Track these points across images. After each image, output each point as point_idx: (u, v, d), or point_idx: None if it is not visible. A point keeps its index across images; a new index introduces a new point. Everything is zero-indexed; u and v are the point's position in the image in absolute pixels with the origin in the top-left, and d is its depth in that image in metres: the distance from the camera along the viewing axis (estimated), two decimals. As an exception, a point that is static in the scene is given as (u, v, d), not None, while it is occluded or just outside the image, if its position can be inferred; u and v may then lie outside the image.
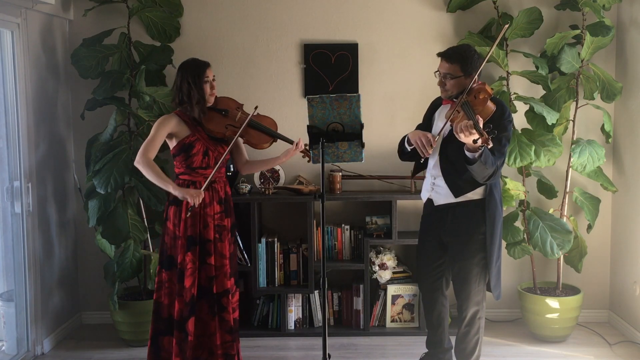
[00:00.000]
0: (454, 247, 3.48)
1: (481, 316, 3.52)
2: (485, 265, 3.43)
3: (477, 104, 3.24)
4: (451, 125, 3.25)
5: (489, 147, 3.06)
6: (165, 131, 3.52)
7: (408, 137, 3.46)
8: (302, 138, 3.57)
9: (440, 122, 3.45)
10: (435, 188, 3.49)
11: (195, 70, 3.54)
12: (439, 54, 3.43)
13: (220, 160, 3.56)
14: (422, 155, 3.32)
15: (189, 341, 3.51)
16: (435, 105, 3.59)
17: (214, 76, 3.61)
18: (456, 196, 3.40)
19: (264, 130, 3.65)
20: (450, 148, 3.34)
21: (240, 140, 3.72)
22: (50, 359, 4.22)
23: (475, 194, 3.40)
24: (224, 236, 3.61)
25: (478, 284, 3.45)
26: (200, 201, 3.47)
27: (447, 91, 3.39)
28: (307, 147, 3.51)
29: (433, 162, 3.48)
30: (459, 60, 3.34)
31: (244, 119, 3.59)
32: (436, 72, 3.44)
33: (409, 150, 3.50)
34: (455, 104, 3.29)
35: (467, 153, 3.18)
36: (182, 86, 3.54)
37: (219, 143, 3.61)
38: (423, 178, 3.68)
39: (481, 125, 3.07)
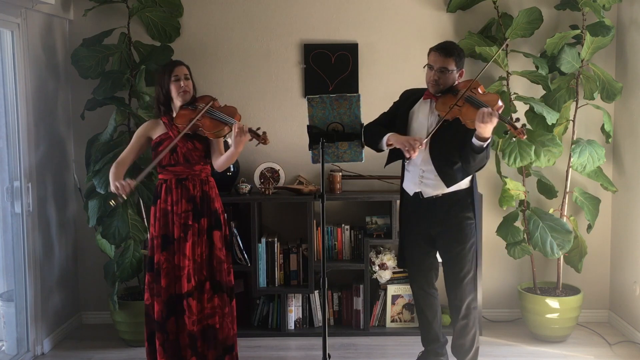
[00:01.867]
0: (446, 235, 3.51)
1: (475, 306, 3.57)
2: (476, 250, 3.52)
3: (481, 96, 3.30)
4: (449, 120, 3.31)
5: (524, 138, 3.19)
6: (139, 136, 3.59)
7: (389, 139, 3.43)
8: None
9: (422, 118, 3.48)
10: (424, 181, 3.51)
11: (163, 69, 3.54)
12: (434, 48, 3.41)
13: (162, 155, 3.46)
14: (407, 156, 3.34)
15: (170, 340, 3.50)
16: (410, 100, 3.57)
17: (186, 75, 3.52)
18: (448, 186, 3.45)
19: (216, 117, 3.49)
20: (442, 141, 3.40)
21: (216, 140, 3.60)
22: (50, 359, 4.22)
23: (463, 184, 3.48)
24: (189, 236, 3.52)
25: (471, 270, 3.51)
26: (127, 191, 3.36)
27: (440, 86, 3.40)
28: (259, 130, 3.37)
29: (421, 158, 3.48)
30: (453, 54, 3.38)
31: (202, 110, 3.48)
32: (426, 65, 3.44)
33: (385, 149, 3.51)
34: (453, 99, 3.31)
35: (475, 142, 3.22)
36: (156, 89, 3.58)
37: (190, 139, 3.54)
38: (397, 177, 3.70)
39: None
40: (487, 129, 3.15)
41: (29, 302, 4.10)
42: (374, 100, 4.63)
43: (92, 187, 4.23)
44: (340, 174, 4.58)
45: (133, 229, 4.26)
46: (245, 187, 4.51)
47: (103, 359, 4.23)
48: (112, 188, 3.42)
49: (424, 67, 3.46)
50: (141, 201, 4.37)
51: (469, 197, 3.49)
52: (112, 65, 4.44)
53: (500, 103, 3.30)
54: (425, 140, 3.34)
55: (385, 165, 3.72)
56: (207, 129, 3.49)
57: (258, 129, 3.41)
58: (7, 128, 4.01)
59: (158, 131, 3.57)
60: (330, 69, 4.63)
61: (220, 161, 3.57)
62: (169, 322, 3.51)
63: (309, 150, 3.31)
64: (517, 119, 3.25)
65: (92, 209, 4.24)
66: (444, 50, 3.38)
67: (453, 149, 3.38)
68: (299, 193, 4.49)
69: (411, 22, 4.64)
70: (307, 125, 3.22)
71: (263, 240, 4.51)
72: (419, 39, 4.63)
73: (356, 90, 4.63)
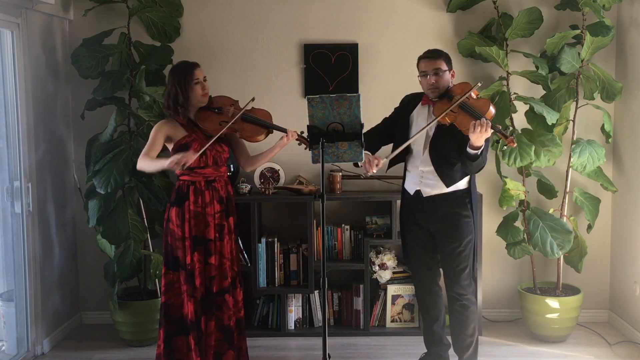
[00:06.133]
0: (443, 232, 3.60)
1: (474, 301, 3.64)
2: (473, 248, 3.61)
3: (474, 102, 3.42)
4: (446, 124, 3.44)
5: (514, 145, 3.39)
6: (161, 134, 3.55)
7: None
8: (295, 128, 3.62)
9: (421, 122, 3.59)
10: (423, 181, 3.61)
11: (183, 72, 3.53)
12: (422, 57, 3.56)
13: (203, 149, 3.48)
14: (365, 172, 3.48)
15: (202, 339, 3.55)
16: (410, 105, 3.70)
17: (205, 77, 3.60)
18: (448, 186, 3.55)
19: (257, 123, 3.65)
20: (440, 144, 3.52)
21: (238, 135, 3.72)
22: (50, 359, 4.22)
23: (462, 184, 3.57)
24: (224, 235, 3.62)
25: (468, 266, 3.59)
26: (190, 163, 3.39)
27: (438, 89, 3.52)
28: (304, 134, 3.51)
29: (421, 159, 3.59)
30: (442, 55, 3.53)
31: (236, 114, 3.59)
32: (419, 75, 3.56)
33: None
34: (448, 104, 3.44)
35: (469, 150, 3.36)
36: (170, 90, 3.55)
37: (218, 142, 3.60)
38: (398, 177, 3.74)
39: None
40: (479, 139, 3.29)
41: (29, 302, 4.10)
42: (374, 100, 4.64)
43: (92, 187, 4.23)
44: (340, 174, 4.58)
45: (133, 229, 4.26)
46: (245, 187, 4.51)
47: (103, 359, 4.23)
48: (171, 165, 3.37)
49: (418, 77, 3.58)
50: (141, 201, 4.37)
51: (467, 196, 3.58)
52: (112, 65, 4.44)
53: (492, 110, 3.42)
54: (384, 160, 3.48)
55: (387, 170, 3.80)
56: (247, 133, 3.62)
57: (302, 132, 3.52)
58: (7, 128, 4.01)
59: (178, 133, 3.57)
60: (330, 69, 4.63)
61: (254, 162, 3.78)
62: (201, 321, 3.57)
63: (309, 150, 3.32)
64: (507, 127, 3.29)
65: (92, 209, 4.23)
66: (432, 54, 3.54)
67: (452, 151, 3.50)
68: (299, 193, 4.49)
69: (411, 22, 4.64)
70: (307, 125, 3.22)
71: (263, 240, 4.51)
72: (419, 39, 4.63)
73: (356, 90, 4.63)
